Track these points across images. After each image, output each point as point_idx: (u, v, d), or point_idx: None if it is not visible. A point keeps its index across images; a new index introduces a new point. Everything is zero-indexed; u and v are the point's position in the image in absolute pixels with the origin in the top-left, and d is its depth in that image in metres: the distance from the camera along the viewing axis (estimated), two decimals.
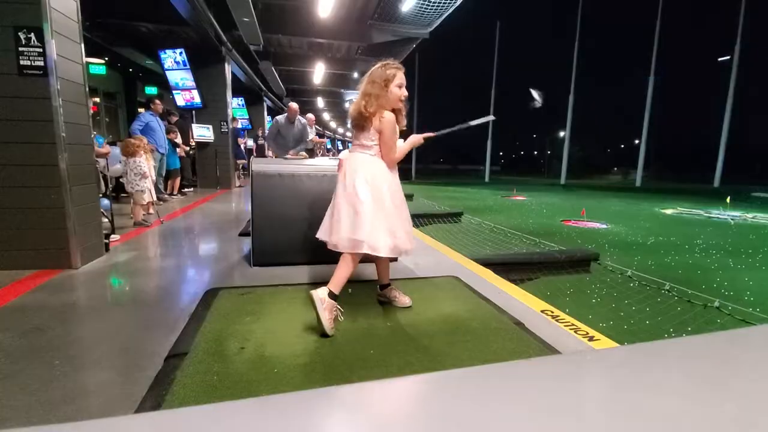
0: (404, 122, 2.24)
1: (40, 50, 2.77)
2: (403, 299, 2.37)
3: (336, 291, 2.02)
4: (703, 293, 5.06)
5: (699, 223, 11.70)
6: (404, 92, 2.18)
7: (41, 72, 2.79)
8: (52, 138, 2.88)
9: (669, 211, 14.07)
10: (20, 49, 2.74)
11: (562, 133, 31.35)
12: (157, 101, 6.70)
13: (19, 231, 2.92)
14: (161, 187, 6.82)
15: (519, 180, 33.02)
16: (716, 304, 4.36)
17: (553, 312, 2.38)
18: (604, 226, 10.70)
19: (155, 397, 1.47)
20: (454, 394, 0.38)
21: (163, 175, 6.97)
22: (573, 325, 2.19)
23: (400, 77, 2.16)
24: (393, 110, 2.16)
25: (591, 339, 2.02)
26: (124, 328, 2.13)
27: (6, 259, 2.91)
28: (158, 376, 1.62)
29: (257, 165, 3.28)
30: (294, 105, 5.69)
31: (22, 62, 2.75)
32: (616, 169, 39.36)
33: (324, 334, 1.93)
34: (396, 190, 2.20)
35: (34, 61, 2.76)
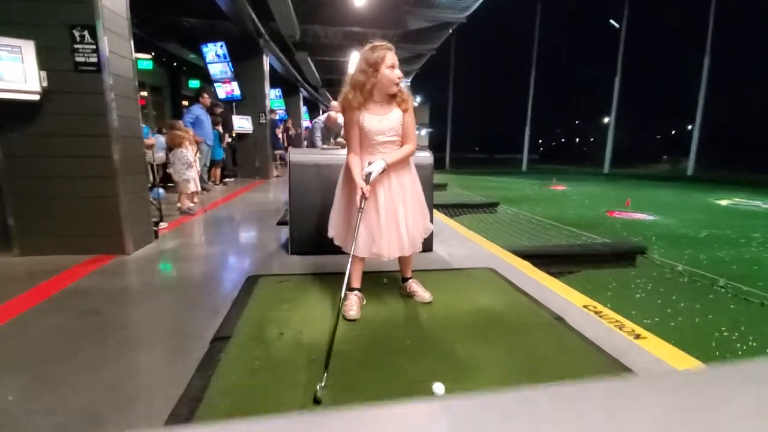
0: (410, 102, 2.11)
1: (94, 47, 2.92)
2: (423, 295, 2.29)
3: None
4: (760, 291, 4.71)
5: (757, 215, 10.86)
6: (397, 74, 2.01)
7: (95, 68, 2.95)
8: (107, 131, 3.05)
9: (724, 202, 13.13)
10: (75, 46, 2.90)
11: (606, 119, 29.82)
12: (206, 95, 6.99)
13: (77, 219, 3.13)
14: (205, 177, 7.13)
15: (559, 169, 31.80)
16: None
17: (595, 307, 2.29)
18: (652, 217, 10.15)
19: (202, 378, 1.55)
20: (514, 418, 0.34)
21: (207, 165, 7.26)
22: (618, 321, 2.10)
23: (391, 58, 2.00)
24: (389, 95, 2.06)
25: (637, 337, 1.93)
26: (173, 311, 2.26)
27: (67, 244, 3.14)
28: (204, 358, 1.71)
29: (295, 156, 3.34)
30: (335, 103, 5.90)
31: (77, 59, 2.91)
32: (665, 157, 36.99)
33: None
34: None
35: (88, 57, 2.92)
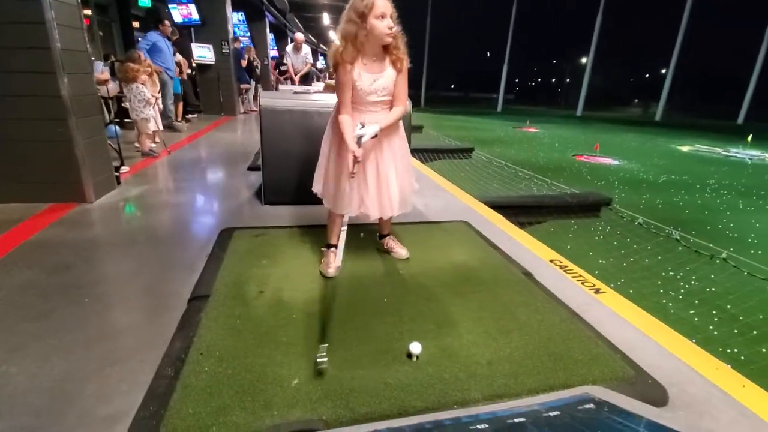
0: (406, 62, 1.95)
1: None
2: (400, 251, 2.35)
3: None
4: (707, 234, 5.13)
5: (715, 161, 11.46)
6: (388, 23, 1.81)
7: None
8: (52, 66, 2.74)
9: (686, 149, 13.69)
10: None
11: (584, 59, 29.40)
12: (167, 22, 6.31)
13: (29, 164, 2.91)
14: (172, 115, 6.59)
15: (533, 110, 31.75)
16: (723, 255, 4.41)
17: (561, 262, 2.42)
18: (617, 162, 10.51)
19: (184, 339, 1.57)
20: None
21: (172, 100, 6.69)
22: (580, 276, 2.24)
23: (381, 5, 1.79)
24: (385, 48, 1.90)
25: (597, 291, 2.08)
26: (146, 266, 2.21)
27: (23, 192, 2.94)
28: (184, 317, 1.72)
29: (265, 100, 3.15)
30: (300, 36, 5.98)
31: None
32: (636, 101, 37.35)
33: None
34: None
35: None
